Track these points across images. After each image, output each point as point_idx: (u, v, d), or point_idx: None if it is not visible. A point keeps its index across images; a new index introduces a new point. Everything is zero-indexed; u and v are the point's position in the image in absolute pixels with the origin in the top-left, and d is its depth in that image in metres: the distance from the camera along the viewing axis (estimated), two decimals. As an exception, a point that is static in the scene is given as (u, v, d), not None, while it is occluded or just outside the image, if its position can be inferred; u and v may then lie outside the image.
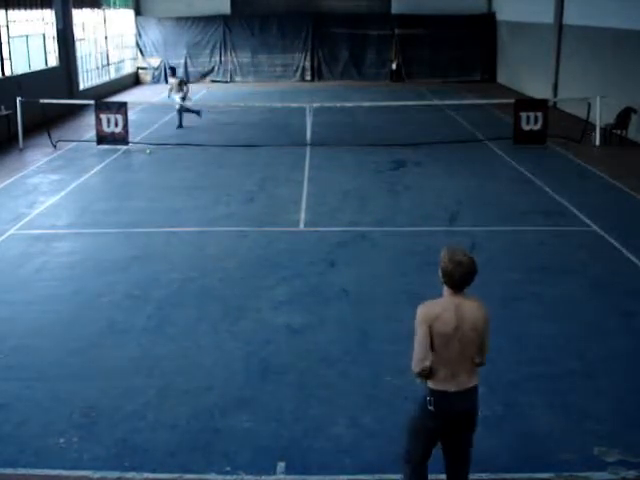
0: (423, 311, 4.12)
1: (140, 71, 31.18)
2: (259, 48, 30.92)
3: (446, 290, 4.20)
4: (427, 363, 4.02)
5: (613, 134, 16.48)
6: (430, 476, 4.77)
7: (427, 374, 4.05)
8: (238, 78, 31.17)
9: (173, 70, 21.03)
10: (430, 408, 4.11)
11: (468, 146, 16.39)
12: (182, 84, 19.49)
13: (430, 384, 4.10)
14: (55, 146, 16.34)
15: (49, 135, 16.50)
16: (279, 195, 12.33)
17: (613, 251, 9.41)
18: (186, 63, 30.96)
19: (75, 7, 23.52)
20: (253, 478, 4.89)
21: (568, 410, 5.68)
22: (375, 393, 5.95)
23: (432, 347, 4.03)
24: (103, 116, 16.28)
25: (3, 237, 10.05)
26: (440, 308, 4.11)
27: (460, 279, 4.11)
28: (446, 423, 4.17)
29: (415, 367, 4.05)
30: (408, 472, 4.47)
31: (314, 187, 12.69)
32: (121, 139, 16.32)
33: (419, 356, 4.03)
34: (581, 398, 5.87)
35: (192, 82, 30.58)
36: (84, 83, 24.66)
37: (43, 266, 8.95)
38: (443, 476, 4.82)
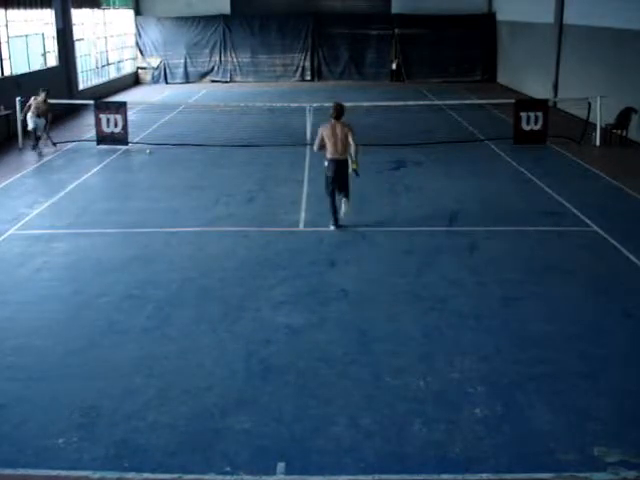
0: (320, 127, 10.04)
1: (140, 71, 31.19)
2: (259, 48, 30.93)
3: (332, 119, 9.96)
4: (315, 149, 10.22)
5: (613, 134, 16.48)
6: (430, 476, 4.86)
7: (320, 150, 10.09)
8: (238, 78, 31.17)
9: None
10: (326, 166, 10.04)
11: (468, 146, 16.39)
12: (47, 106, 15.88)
13: (327, 155, 9.99)
14: (55, 144, 16.32)
15: (48, 135, 16.48)
16: (279, 195, 12.33)
17: (613, 251, 9.41)
18: (186, 63, 30.98)
19: (74, 7, 23.52)
20: (253, 478, 4.88)
21: (568, 410, 5.68)
22: (375, 393, 5.95)
23: (324, 141, 9.92)
24: (103, 116, 16.29)
25: (3, 237, 10.05)
26: (327, 125, 9.99)
27: (337, 114, 9.96)
28: (333, 172, 10.01)
29: (314, 149, 10.30)
30: (329, 199, 10.27)
31: (314, 187, 12.68)
32: (121, 139, 16.32)
33: (315, 145, 10.19)
34: (581, 398, 5.87)
35: (192, 82, 30.73)
36: (84, 83, 24.66)
37: (43, 266, 8.94)
38: (444, 476, 4.88)
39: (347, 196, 10.26)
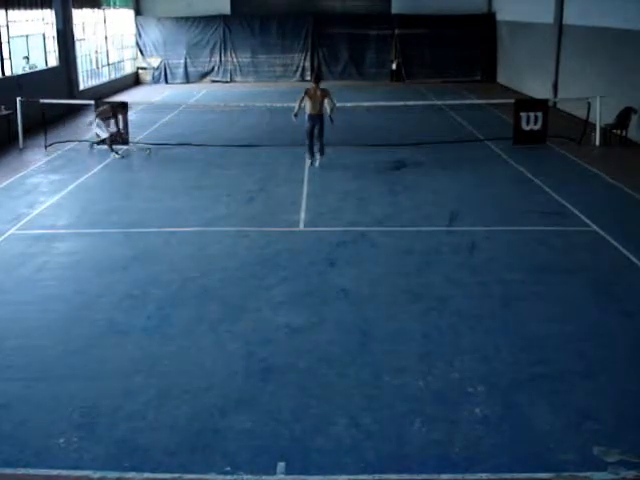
0: (304, 91, 13.70)
1: (140, 71, 31.20)
2: (259, 48, 30.93)
3: (313, 84, 13.74)
4: (296, 106, 13.76)
5: (613, 134, 16.47)
6: (430, 476, 4.88)
7: (298, 111, 13.83)
8: (238, 78, 31.18)
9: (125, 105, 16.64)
10: (306, 119, 13.78)
11: (468, 146, 16.39)
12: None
13: (307, 111, 13.70)
14: (47, 147, 16.22)
15: (45, 137, 16.47)
16: (279, 195, 12.33)
17: (613, 251, 9.41)
18: (186, 63, 30.98)
19: (75, 7, 23.51)
20: (253, 478, 4.89)
21: (568, 410, 5.68)
22: (375, 393, 5.95)
23: (304, 100, 13.62)
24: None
25: (3, 237, 10.05)
26: (309, 88, 13.77)
27: (316, 79, 13.98)
28: (312, 124, 13.78)
29: (295, 106, 13.74)
30: (307, 142, 14.04)
31: (314, 187, 12.69)
32: (121, 139, 16.30)
33: (296, 102, 13.75)
34: (581, 398, 5.87)
35: (192, 82, 30.74)
36: (84, 83, 24.66)
37: (43, 266, 8.95)
38: (444, 476, 4.88)
39: (322, 149, 14.11)
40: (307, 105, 13.67)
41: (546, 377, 6.20)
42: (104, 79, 27.14)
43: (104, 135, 15.46)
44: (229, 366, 6.42)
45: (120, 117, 16.03)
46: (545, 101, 17.25)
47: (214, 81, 30.99)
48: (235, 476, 4.91)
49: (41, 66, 21.31)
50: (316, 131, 13.90)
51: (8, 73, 18.67)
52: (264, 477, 4.90)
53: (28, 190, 12.73)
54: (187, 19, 30.72)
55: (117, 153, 15.37)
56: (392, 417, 5.57)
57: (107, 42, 27.96)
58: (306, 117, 13.82)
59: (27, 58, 20.45)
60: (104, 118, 15.56)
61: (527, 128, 16.25)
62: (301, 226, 10.58)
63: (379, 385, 6.07)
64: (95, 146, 15.83)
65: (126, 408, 5.73)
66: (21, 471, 4.96)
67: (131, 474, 4.93)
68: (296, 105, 13.73)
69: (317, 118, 13.69)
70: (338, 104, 19.08)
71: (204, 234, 10.21)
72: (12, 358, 6.60)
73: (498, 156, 15.33)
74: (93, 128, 15.68)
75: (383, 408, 5.71)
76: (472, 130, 18.42)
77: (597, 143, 16.26)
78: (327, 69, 31.22)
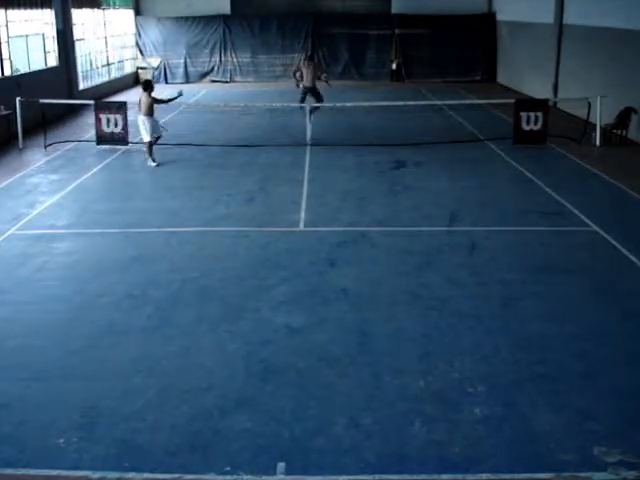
0: (301, 65, 20.61)
1: (140, 71, 31.17)
2: (259, 48, 30.90)
3: (307, 61, 20.44)
4: (292, 74, 20.71)
5: (613, 134, 16.47)
6: (430, 476, 4.89)
7: (294, 75, 20.35)
8: (238, 78, 31.15)
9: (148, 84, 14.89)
10: (301, 88, 19.75)
11: (468, 146, 16.38)
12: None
13: (303, 84, 19.52)
14: (46, 147, 16.22)
15: (45, 136, 16.45)
16: (279, 195, 12.33)
17: (613, 251, 9.41)
18: (186, 63, 30.97)
19: (75, 7, 23.49)
20: (253, 478, 4.89)
21: (568, 410, 5.68)
22: (375, 393, 5.95)
23: (301, 72, 19.82)
24: (103, 116, 16.26)
25: (3, 237, 10.05)
26: (304, 64, 20.22)
27: (309, 57, 21.27)
28: (304, 92, 19.56)
29: (293, 73, 20.85)
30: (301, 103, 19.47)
31: (314, 187, 12.69)
32: (121, 139, 16.30)
33: (294, 73, 20.43)
34: (581, 398, 5.87)
35: (192, 82, 30.73)
36: (84, 83, 24.65)
37: (43, 266, 8.94)
38: (444, 476, 4.89)
39: (317, 106, 18.69)
40: (303, 76, 19.43)
41: (546, 377, 6.20)
42: (104, 79, 27.13)
43: (147, 138, 14.62)
44: (229, 366, 6.42)
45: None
46: (545, 101, 17.23)
47: (214, 81, 30.96)
48: (235, 476, 4.91)
49: (41, 66, 21.23)
50: (309, 95, 19.40)
51: (8, 73, 18.66)
52: (264, 477, 4.90)
53: (28, 190, 12.73)
54: (187, 19, 30.69)
55: (154, 160, 14.59)
56: (392, 417, 5.58)
57: (107, 42, 27.95)
58: (301, 86, 19.62)
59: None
60: (150, 113, 14.60)
61: (527, 128, 16.24)
62: (301, 226, 10.58)
63: (379, 385, 6.07)
64: (148, 156, 14.68)
65: (126, 408, 5.73)
66: (21, 471, 4.96)
67: (131, 474, 4.93)
68: (293, 73, 20.29)
69: (309, 88, 19.27)
70: (338, 104, 19.24)
71: (204, 234, 10.21)
72: (12, 358, 6.60)
73: (498, 156, 15.33)
74: (141, 128, 14.74)
75: (383, 408, 5.71)
76: (472, 130, 18.41)
77: (597, 143, 16.24)
78: (327, 69, 31.16)
